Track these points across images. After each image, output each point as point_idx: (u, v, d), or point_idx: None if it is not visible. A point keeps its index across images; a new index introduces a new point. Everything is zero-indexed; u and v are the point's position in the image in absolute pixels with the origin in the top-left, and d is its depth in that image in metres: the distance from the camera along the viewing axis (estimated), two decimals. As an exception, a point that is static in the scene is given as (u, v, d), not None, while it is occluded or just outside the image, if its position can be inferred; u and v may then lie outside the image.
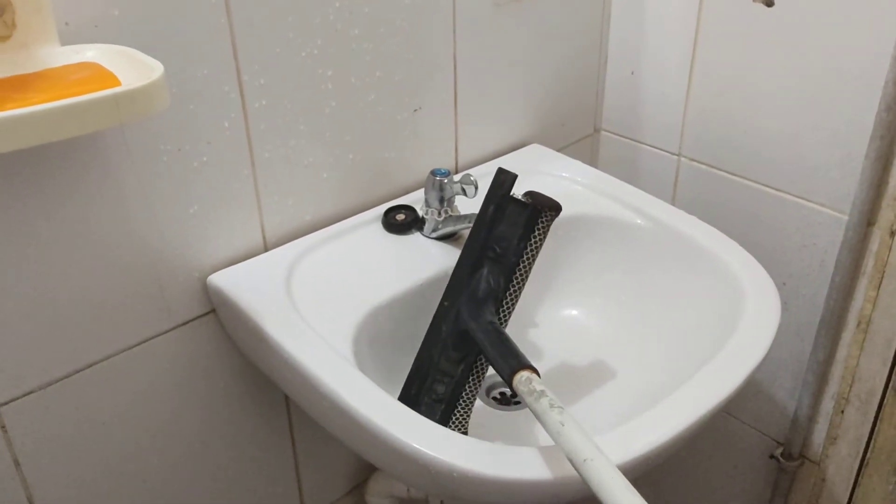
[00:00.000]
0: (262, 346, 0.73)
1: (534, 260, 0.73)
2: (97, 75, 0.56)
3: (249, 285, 0.77)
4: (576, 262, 0.94)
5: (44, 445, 0.73)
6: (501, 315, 0.75)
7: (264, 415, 0.90)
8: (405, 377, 0.82)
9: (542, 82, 1.04)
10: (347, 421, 0.66)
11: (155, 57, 0.66)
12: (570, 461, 0.57)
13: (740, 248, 0.87)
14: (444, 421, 0.75)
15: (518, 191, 0.74)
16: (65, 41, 0.61)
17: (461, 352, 0.75)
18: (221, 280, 0.78)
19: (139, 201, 0.71)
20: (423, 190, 0.89)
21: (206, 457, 0.86)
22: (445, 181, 0.85)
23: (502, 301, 0.74)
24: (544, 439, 0.78)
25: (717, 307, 0.85)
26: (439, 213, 0.86)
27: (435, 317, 0.76)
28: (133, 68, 0.58)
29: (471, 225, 0.83)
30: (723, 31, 0.98)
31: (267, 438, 0.91)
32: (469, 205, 0.87)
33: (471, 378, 0.75)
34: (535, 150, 1.05)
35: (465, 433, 0.77)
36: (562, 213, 0.90)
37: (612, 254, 0.93)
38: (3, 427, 0.70)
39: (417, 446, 0.62)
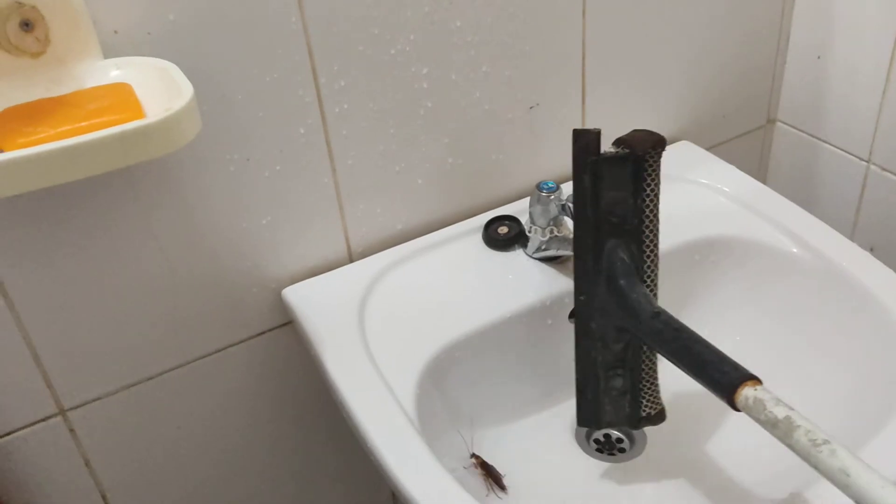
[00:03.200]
0: (324, 376, 0.68)
1: (658, 208, 0.63)
2: (119, 103, 0.51)
3: (321, 303, 0.72)
4: (711, 293, 0.80)
5: (114, 447, 0.73)
6: (648, 288, 0.65)
7: (340, 427, 0.85)
8: (483, 412, 0.74)
9: (699, 66, 0.88)
10: (390, 482, 0.60)
11: (216, 63, 0.61)
12: None
13: (923, 302, 0.69)
14: (636, 410, 0.68)
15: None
16: (115, 52, 0.57)
17: (622, 341, 0.65)
18: (294, 295, 0.73)
19: (204, 213, 0.67)
20: (532, 199, 0.78)
21: (279, 465, 0.84)
22: (552, 197, 0.73)
23: (644, 273, 0.64)
24: (672, 499, 0.69)
25: (880, 372, 0.69)
26: (543, 232, 0.75)
27: (578, 317, 0.66)
28: (165, 92, 0.53)
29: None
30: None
31: (342, 451, 0.87)
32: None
33: (643, 357, 0.66)
34: (682, 148, 0.90)
35: (662, 408, 0.69)
36: (699, 235, 0.78)
37: (755, 288, 0.78)
38: (72, 430, 0.70)
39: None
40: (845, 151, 0.91)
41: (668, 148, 0.89)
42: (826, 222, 0.78)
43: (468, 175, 0.78)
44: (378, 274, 0.75)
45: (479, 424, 0.73)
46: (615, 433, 0.78)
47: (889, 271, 0.72)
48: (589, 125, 0.83)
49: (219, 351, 0.74)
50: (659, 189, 0.63)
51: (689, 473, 0.72)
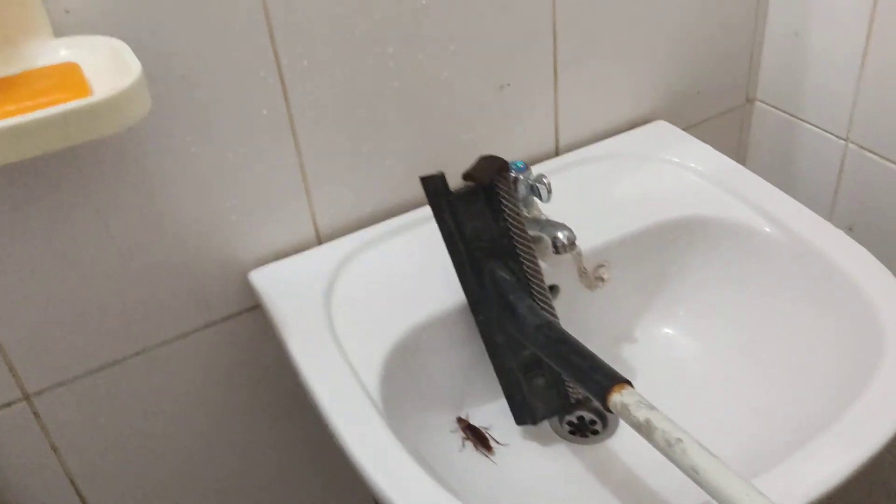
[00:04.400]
0: (289, 360, 0.68)
1: (523, 224, 0.68)
2: (65, 83, 0.50)
3: (288, 286, 0.71)
4: (686, 273, 0.79)
5: (81, 432, 0.73)
6: (539, 299, 0.69)
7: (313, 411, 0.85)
8: (452, 394, 0.73)
9: (676, 45, 0.87)
10: (352, 465, 0.59)
11: (174, 43, 0.61)
12: None
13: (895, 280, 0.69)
14: (564, 399, 0.72)
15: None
16: (66, 31, 0.56)
17: (529, 347, 0.69)
18: (260, 278, 0.73)
19: (166, 196, 0.66)
20: (507, 179, 0.78)
21: (252, 449, 0.84)
22: (520, 178, 0.72)
23: (530, 284, 0.68)
24: (643, 481, 0.69)
25: (854, 349, 0.68)
26: (513, 214, 0.74)
27: (483, 335, 0.70)
28: (115, 71, 0.52)
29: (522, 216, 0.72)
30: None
31: (316, 435, 0.87)
32: (547, 208, 0.74)
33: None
34: (657, 128, 0.89)
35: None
36: (672, 215, 0.79)
37: (730, 268, 0.77)
38: (37, 414, 0.70)
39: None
40: (824, 130, 0.90)
41: (642, 127, 0.90)
42: (805, 201, 0.77)
43: (438, 156, 0.78)
44: (347, 256, 0.74)
45: (449, 407, 0.72)
46: (588, 415, 0.77)
47: (863, 250, 0.71)
48: (562, 104, 0.82)
49: (185, 335, 0.73)
50: (518, 207, 0.67)
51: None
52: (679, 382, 0.77)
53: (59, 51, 0.54)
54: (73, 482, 0.74)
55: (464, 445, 0.71)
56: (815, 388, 0.69)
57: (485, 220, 0.66)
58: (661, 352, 0.79)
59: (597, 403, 0.60)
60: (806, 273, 0.73)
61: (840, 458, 0.57)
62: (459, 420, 0.71)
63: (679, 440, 0.51)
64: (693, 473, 0.49)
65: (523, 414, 0.71)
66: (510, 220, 0.67)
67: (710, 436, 0.71)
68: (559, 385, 0.71)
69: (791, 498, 0.54)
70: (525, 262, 0.68)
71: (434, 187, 0.65)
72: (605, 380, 0.56)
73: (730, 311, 0.77)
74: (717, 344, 0.78)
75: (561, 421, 0.76)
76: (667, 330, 0.80)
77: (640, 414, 0.53)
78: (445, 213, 0.66)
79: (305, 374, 0.64)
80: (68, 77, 0.51)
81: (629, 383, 0.56)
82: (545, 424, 0.75)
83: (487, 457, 0.70)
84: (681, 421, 0.72)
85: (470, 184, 0.66)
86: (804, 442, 0.59)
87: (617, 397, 0.55)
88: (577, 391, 0.72)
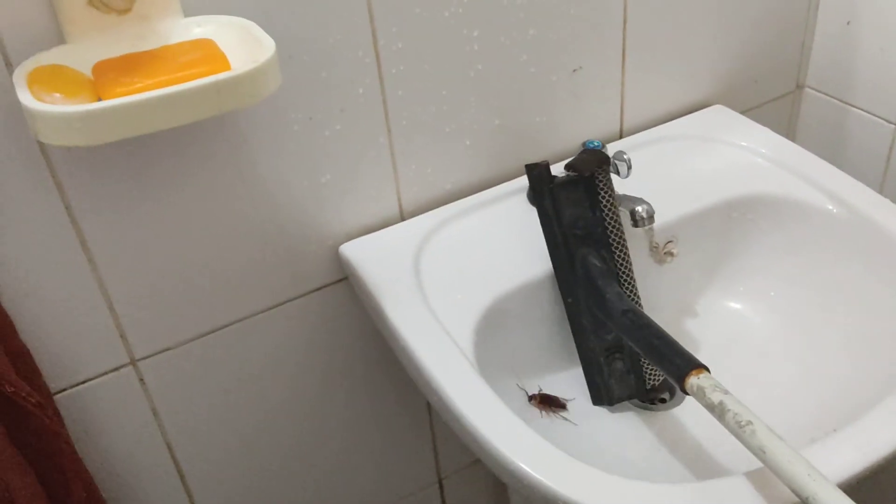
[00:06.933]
0: (383, 325, 0.71)
1: (618, 215, 0.71)
2: (207, 56, 0.54)
3: (378, 258, 0.75)
4: (748, 250, 0.83)
5: (180, 398, 0.76)
6: (627, 288, 0.73)
7: (403, 380, 0.89)
8: (532, 360, 0.77)
9: (733, 32, 0.90)
10: (456, 424, 0.63)
11: (284, 24, 0.64)
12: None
13: (955, 252, 0.72)
14: (641, 384, 0.75)
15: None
16: (189, 12, 0.60)
17: (613, 331, 0.72)
18: (351, 251, 0.76)
19: (269, 171, 0.70)
20: (577, 159, 0.81)
21: (341, 418, 0.87)
22: (598, 156, 0.76)
23: (619, 273, 0.72)
24: (705, 448, 0.72)
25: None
26: (589, 190, 0.78)
27: (570, 316, 0.74)
28: (247, 47, 0.56)
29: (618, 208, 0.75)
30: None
31: (406, 402, 0.91)
32: (621, 184, 0.78)
33: None
34: (716, 112, 0.93)
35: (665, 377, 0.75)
36: (736, 193, 0.81)
37: (791, 244, 0.81)
38: (142, 380, 0.73)
39: (535, 473, 0.57)
40: (873, 115, 0.93)
41: (702, 111, 0.93)
42: (854, 184, 0.81)
43: (514, 136, 0.81)
44: (429, 231, 0.78)
45: (528, 373, 0.76)
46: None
47: (923, 225, 0.75)
48: (628, 88, 0.86)
49: (281, 304, 0.77)
50: (614, 199, 0.71)
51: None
52: (745, 353, 0.80)
53: (192, 28, 0.58)
54: (169, 447, 0.78)
55: (542, 415, 0.74)
56: (877, 360, 0.73)
57: (582, 209, 0.70)
58: (726, 324, 0.83)
59: (674, 385, 0.63)
60: (868, 247, 0.76)
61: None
62: (533, 397, 0.74)
63: (749, 422, 0.54)
64: (760, 453, 0.53)
65: (600, 395, 0.76)
66: (606, 210, 0.71)
67: (774, 403, 0.75)
68: (637, 370, 0.75)
69: (863, 455, 0.57)
70: (616, 251, 0.72)
71: (538, 174, 0.70)
72: (685, 363, 0.60)
73: (793, 285, 0.81)
74: (782, 317, 0.81)
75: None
76: (732, 304, 0.83)
77: (715, 397, 0.56)
78: (546, 199, 0.70)
79: (405, 338, 0.67)
80: (209, 52, 0.55)
81: (706, 368, 0.60)
82: (616, 393, 0.79)
83: (566, 418, 0.73)
84: (747, 390, 0.77)
85: (572, 174, 0.70)
86: (869, 407, 0.62)
87: (694, 380, 0.58)
88: (653, 377, 0.75)
